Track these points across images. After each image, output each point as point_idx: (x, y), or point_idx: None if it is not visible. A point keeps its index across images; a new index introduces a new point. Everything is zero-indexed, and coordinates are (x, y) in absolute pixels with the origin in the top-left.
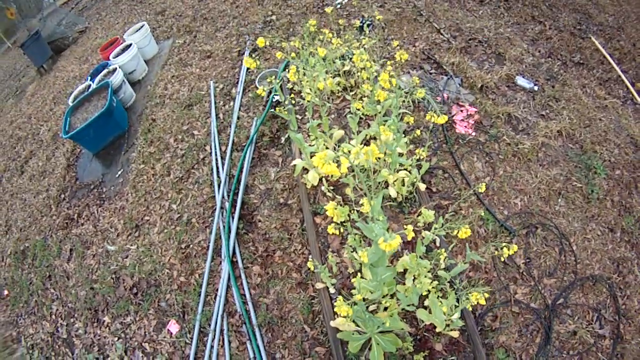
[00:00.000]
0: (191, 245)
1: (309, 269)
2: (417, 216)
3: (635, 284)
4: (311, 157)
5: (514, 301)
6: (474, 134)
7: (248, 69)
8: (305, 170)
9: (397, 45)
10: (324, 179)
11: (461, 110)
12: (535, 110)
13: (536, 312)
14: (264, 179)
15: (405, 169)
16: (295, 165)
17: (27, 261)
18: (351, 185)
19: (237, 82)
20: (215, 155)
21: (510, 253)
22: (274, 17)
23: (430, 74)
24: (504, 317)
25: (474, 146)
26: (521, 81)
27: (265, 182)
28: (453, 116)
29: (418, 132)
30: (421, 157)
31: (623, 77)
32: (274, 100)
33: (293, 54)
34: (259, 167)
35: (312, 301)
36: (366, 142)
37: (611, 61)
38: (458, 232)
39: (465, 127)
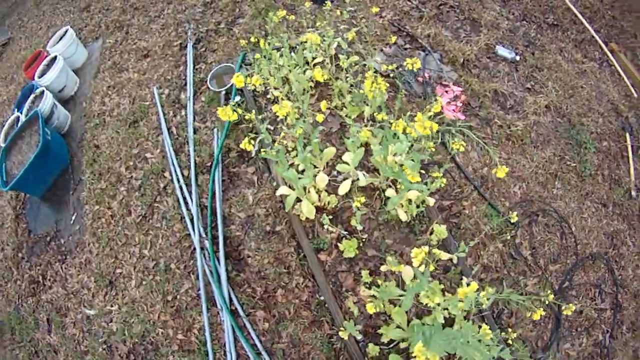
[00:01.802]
0: (178, 296)
1: (318, 304)
2: (430, 234)
3: (628, 254)
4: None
5: (525, 294)
6: (463, 118)
7: (195, 66)
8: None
9: (375, 15)
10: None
11: (446, 91)
12: (520, 83)
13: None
14: (242, 204)
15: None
16: (283, 196)
17: (6, 337)
18: (358, 216)
19: (185, 85)
20: (178, 182)
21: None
22: None
23: (405, 49)
24: (518, 312)
25: (467, 134)
26: (502, 51)
27: (244, 208)
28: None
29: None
30: (436, 179)
31: (596, 37)
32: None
33: (244, 42)
34: (233, 190)
35: (331, 339)
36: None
37: (583, 21)
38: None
39: (454, 110)
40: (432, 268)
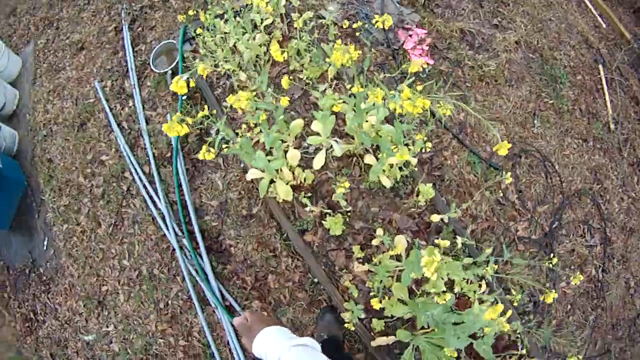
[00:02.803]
0: (169, 302)
1: (312, 283)
2: (416, 196)
3: (612, 188)
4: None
5: (517, 239)
6: (432, 62)
7: (135, 48)
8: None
9: None
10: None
11: (410, 35)
12: (486, 20)
13: (538, 243)
14: (212, 192)
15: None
16: (256, 180)
17: None
18: (340, 193)
19: (128, 72)
20: (141, 180)
21: (507, 182)
22: None
23: None
24: (514, 258)
25: (438, 78)
26: None
27: (215, 195)
28: (402, 44)
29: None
30: (424, 148)
31: None
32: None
33: (181, 18)
34: (199, 178)
35: None
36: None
37: None
38: None
39: (421, 55)
40: None
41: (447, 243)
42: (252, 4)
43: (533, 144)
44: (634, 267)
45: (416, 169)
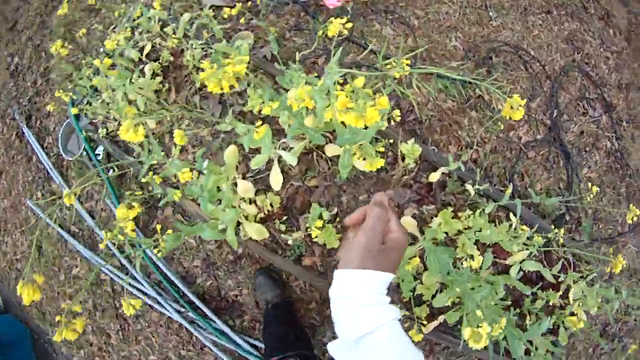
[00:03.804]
0: None
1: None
2: (402, 160)
3: (593, 50)
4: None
5: (523, 147)
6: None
7: (44, 145)
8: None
9: None
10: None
11: None
12: None
13: (546, 140)
14: (189, 253)
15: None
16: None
17: None
18: (313, 214)
19: (49, 173)
20: (119, 277)
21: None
22: None
23: None
24: (529, 169)
25: (363, 11)
26: None
27: (194, 254)
28: None
29: None
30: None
31: None
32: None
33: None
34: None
35: None
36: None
37: None
38: None
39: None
40: None
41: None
42: (118, 39)
43: (498, 39)
44: None
45: (388, 130)
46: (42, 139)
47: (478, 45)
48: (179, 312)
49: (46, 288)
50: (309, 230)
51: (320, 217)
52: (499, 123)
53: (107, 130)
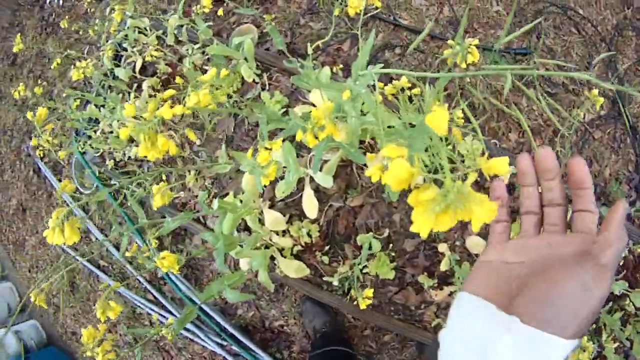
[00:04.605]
0: None
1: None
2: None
3: None
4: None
5: (588, 126)
6: None
7: (59, 177)
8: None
9: None
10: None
11: None
12: None
13: (610, 116)
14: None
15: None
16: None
17: None
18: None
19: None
20: (153, 310)
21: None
22: None
23: None
24: (596, 152)
25: None
26: None
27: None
28: None
29: None
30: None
31: None
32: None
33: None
34: (202, 276)
35: None
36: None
37: None
38: None
39: None
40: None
41: None
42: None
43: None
44: None
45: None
46: (58, 173)
47: (522, 7)
48: (221, 345)
49: (85, 322)
50: (357, 266)
51: (370, 247)
52: (559, 101)
53: (115, 160)
